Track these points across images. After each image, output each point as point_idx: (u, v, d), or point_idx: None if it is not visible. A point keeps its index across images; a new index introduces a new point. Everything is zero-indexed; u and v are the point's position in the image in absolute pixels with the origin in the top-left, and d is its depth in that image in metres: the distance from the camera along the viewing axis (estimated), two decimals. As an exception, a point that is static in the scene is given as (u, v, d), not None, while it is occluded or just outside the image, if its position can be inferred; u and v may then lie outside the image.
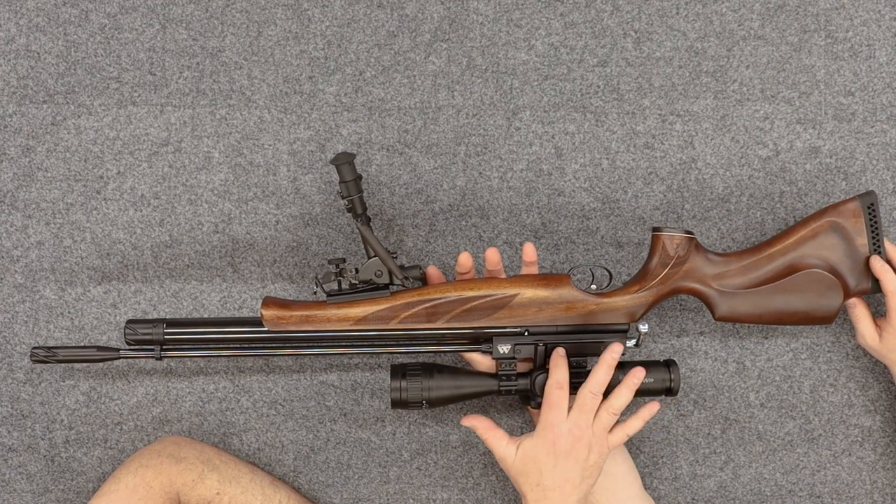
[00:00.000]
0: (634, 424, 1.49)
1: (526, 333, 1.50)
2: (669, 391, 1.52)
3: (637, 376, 1.47)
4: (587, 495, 1.46)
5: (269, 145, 1.69)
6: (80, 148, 1.69)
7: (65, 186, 1.69)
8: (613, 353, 1.47)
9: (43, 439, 1.71)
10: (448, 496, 1.72)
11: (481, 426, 1.48)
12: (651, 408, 1.50)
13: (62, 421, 1.70)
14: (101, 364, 1.69)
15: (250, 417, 1.71)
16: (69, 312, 1.70)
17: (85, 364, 1.69)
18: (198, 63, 1.69)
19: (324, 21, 1.69)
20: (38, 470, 1.71)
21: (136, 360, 1.69)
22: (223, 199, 1.69)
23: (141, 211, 1.69)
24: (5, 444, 1.71)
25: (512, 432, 1.70)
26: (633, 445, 1.71)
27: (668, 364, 1.52)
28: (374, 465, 1.72)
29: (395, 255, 1.50)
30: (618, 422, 1.48)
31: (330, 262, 1.47)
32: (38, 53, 1.69)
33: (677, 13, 1.69)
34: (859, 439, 1.72)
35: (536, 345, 1.50)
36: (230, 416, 1.71)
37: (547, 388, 1.45)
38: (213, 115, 1.69)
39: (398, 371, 1.49)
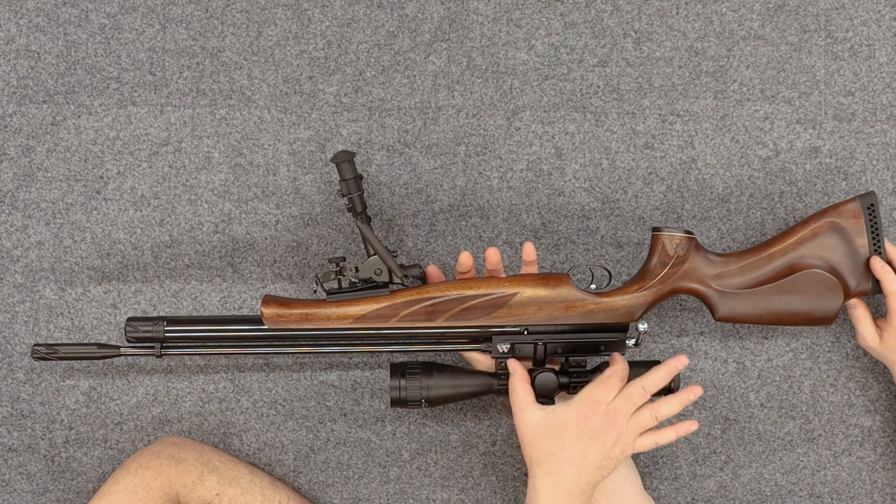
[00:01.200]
0: (667, 435, 1.45)
1: (525, 332, 1.50)
2: (669, 391, 1.51)
3: (695, 393, 1.45)
4: (594, 489, 1.44)
5: (269, 145, 1.69)
6: (80, 148, 1.69)
7: (65, 186, 1.69)
8: (679, 362, 1.46)
9: (43, 439, 1.71)
10: (448, 496, 1.72)
11: (520, 372, 1.47)
12: (689, 426, 1.46)
13: (62, 421, 1.70)
14: (101, 364, 1.70)
15: (250, 417, 1.71)
16: (69, 312, 1.70)
17: (85, 364, 1.69)
18: (198, 63, 1.69)
19: (324, 21, 1.69)
20: (38, 470, 1.71)
21: (137, 360, 1.69)
22: (223, 199, 1.69)
23: (141, 211, 1.69)
24: (5, 444, 1.71)
25: (512, 432, 1.71)
26: (633, 445, 1.72)
27: (668, 364, 1.52)
28: (374, 465, 1.72)
29: (395, 254, 1.50)
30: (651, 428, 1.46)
31: (330, 260, 1.48)
32: (38, 53, 1.69)
33: (677, 13, 1.70)
34: (859, 439, 1.72)
35: (536, 344, 1.49)
36: (230, 416, 1.71)
37: (609, 371, 1.44)
38: (213, 115, 1.69)
39: (397, 370, 1.49)
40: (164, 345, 1.51)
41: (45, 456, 1.71)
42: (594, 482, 1.42)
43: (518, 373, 1.47)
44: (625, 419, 1.41)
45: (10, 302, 1.70)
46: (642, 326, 1.52)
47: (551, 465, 1.40)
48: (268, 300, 1.48)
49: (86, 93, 1.69)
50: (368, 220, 1.48)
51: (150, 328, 1.50)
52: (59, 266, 1.69)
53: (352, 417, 1.71)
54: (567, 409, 1.41)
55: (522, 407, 1.44)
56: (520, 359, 1.51)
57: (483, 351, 1.53)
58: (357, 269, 1.48)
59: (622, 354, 1.52)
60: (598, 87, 1.70)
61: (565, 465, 1.40)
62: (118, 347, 1.53)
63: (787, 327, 1.71)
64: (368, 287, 1.49)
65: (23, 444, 1.71)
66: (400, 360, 1.64)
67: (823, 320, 1.55)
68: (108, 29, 1.69)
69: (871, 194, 1.55)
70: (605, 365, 1.52)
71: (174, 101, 1.69)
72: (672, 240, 1.51)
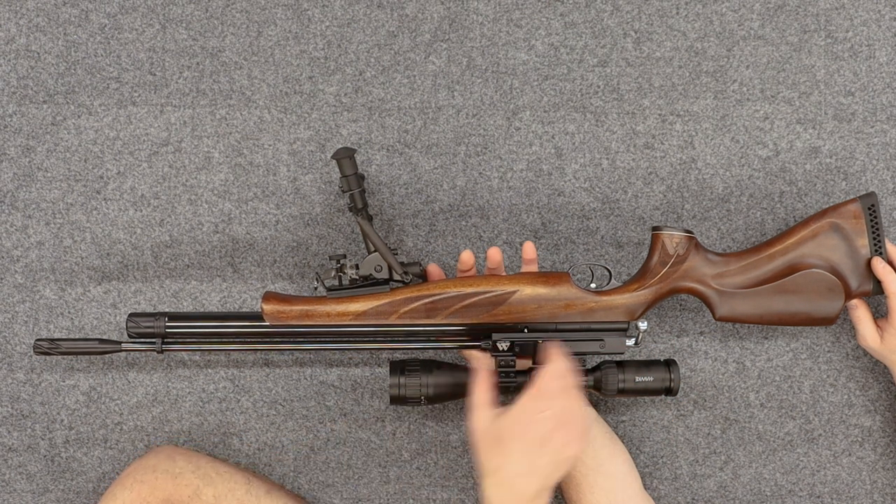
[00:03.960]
0: None
1: (525, 331, 1.50)
2: (669, 391, 1.52)
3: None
4: (551, 490, 1.37)
5: (269, 145, 1.69)
6: (80, 148, 1.69)
7: (65, 186, 1.69)
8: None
9: (43, 439, 1.71)
10: (448, 496, 1.72)
11: (482, 371, 1.41)
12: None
13: (62, 421, 1.70)
14: (101, 364, 1.69)
15: (250, 417, 1.71)
16: (69, 312, 1.70)
17: (85, 363, 1.69)
18: (198, 63, 1.70)
19: (324, 21, 1.69)
20: (38, 470, 1.71)
21: (137, 360, 1.69)
22: (223, 199, 1.69)
23: (141, 211, 1.69)
24: (5, 444, 1.71)
25: (512, 432, 1.71)
26: (633, 445, 1.71)
27: (668, 364, 1.52)
28: (374, 465, 1.71)
29: (395, 253, 1.50)
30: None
31: (331, 257, 1.48)
32: (38, 53, 1.69)
33: (677, 13, 1.70)
34: (859, 439, 1.72)
35: (535, 342, 1.49)
36: (230, 416, 1.71)
37: (549, 372, 1.36)
38: (213, 115, 1.69)
39: (397, 367, 1.49)
40: (165, 340, 1.52)
41: (45, 456, 1.71)
42: (549, 484, 1.35)
43: (482, 373, 1.41)
44: (577, 414, 1.36)
45: (10, 302, 1.70)
46: (642, 325, 1.52)
47: (499, 478, 1.35)
48: (268, 297, 1.48)
49: (86, 93, 1.69)
50: (369, 217, 1.48)
51: (151, 324, 1.51)
52: (59, 266, 1.69)
53: (352, 417, 1.71)
54: (510, 420, 1.35)
55: (474, 408, 1.39)
56: (519, 357, 1.51)
57: (483, 349, 1.53)
58: (357, 267, 1.48)
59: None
60: (598, 87, 1.70)
61: (513, 476, 1.34)
62: (119, 343, 1.53)
63: (787, 327, 1.71)
64: (369, 284, 1.49)
65: (23, 444, 1.71)
66: (400, 357, 1.64)
67: (824, 320, 1.55)
68: (108, 29, 1.70)
69: (871, 195, 1.55)
70: (605, 364, 1.52)
71: (174, 101, 1.69)
72: (672, 239, 1.51)
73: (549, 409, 1.34)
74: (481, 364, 1.46)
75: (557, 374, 1.36)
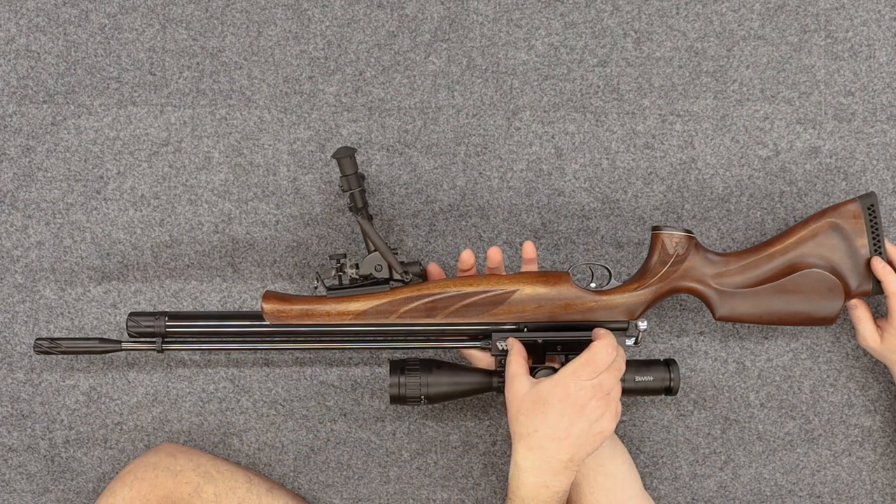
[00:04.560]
0: None
1: (525, 330, 1.50)
2: (669, 391, 1.51)
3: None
4: (579, 464, 1.39)
5: (269, 145, 1.69)
6: (80, 148, 1.69)
7: (65, 186, 1.69)
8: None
9: (43, 439, 1.71)
10: (448, 496, 1.72)
11: (517, 347, 1.46)
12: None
13: (62, 421, 1.70)
14: (101, 364, 1.69)
15: (250, 417, 1.71)
16: (69, 312, 1.70)
17: (85, 363, 1.69)
18: (198, 63, 1.70)
19: (324, 21, 1.69)
20: (38, 470, 1.71)
21: (137, 360, 1.69)
22: (223, 199, 1.69)
23: (141, 211, 1.69)
24: (5, 444, 1.71)
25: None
26: (633, 445, 1.71)
27: (668, 364, 1.52)
28: (374, 465, 1.71)
29: (395, 252, 1.50)
30: None
31: (331, 257, 1.48)
32: (38, 53, 1.69)
33: (677, 13, 1.70)
34: (859, 439, 1.72)
35: (535, 342, 1.49)
36: (230, 416, 1.71)
37: (596, 347, 1.36)
38: (213, 115, 1.69)
39: (397, 367, 1.48)
40: (165, 340, 1.52)
41: (45, 456, 1.71)
42: (580, 457, 1.37)
43: (515, 347, 1.45)
44: (612, 391, 1.38)
45: (10, 302, 1.70)
46: (642, 325, 1.52)
47: (533, 441, 1.37)
48: (268, 296, 1.48)
49: (86, 93, 1.69)
50: (369, 217, 1.48)
51: (151, 323, 1.51)
52: (59, 266, 1.69)
53: (352, 417, 1.71)
54: (552, 384, 1.36)
55: (511, 378, 1.41)
56: None
57: (483, 348, 1.53)
58: (357, 266, 1.48)
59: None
60: (598, 87, 1.70)
61: (547, 440, 1.36)
62: (119, 342, 1.53)
63: (787, 327, 1.71)
64: (369, 283, 1.48)
65: (23, 444, 1.71)
66: (400, 357, 1.64)
67: (824, 320, 1.54)
68: (108, 29, 1.70)
69: (871, 195, 1.55)
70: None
71: (174, 101, 1.69)
72: (672, 238, 1.51)
73: (594, 378, 1.35)
74: (514, 343, 1.46)
75: (609, 349, 1.36)
